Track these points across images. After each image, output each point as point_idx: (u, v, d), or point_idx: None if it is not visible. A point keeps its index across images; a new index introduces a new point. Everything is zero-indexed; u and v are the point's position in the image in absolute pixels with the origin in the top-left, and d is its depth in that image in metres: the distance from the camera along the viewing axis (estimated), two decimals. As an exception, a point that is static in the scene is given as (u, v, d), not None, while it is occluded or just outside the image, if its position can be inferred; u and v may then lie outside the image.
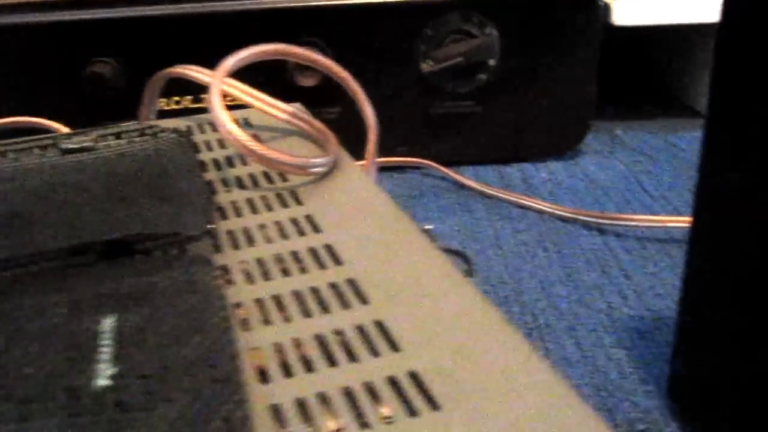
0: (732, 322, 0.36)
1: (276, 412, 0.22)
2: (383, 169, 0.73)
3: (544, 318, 0.50)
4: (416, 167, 0.73)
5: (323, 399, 0.23)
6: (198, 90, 0.63)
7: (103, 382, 0.21)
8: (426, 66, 0.69)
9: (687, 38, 0.85)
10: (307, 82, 0.67)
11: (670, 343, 0.44)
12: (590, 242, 0.59)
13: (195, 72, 0.43)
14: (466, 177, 0.70)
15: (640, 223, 0.60)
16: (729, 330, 0.36)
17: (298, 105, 0.47)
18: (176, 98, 0.70)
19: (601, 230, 0.61)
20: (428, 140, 0.73)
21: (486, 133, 0.73)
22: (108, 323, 0.24)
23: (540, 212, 0.64)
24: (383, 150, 0.72)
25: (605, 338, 0.48)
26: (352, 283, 0.29)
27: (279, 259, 0.31)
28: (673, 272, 0.55)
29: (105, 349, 0.22)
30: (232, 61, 0.38)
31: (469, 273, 0.55)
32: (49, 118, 0.60)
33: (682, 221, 0.58)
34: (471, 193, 0.68)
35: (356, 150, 0.47)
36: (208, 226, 0.31)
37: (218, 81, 0.37)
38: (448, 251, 0.58)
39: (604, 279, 0.54)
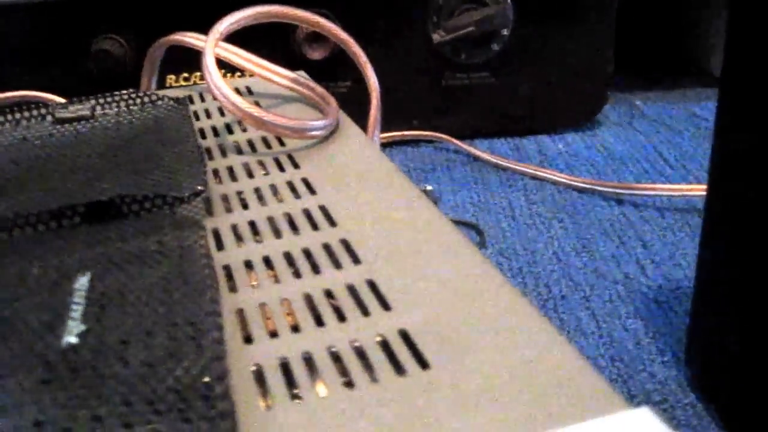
0: (750, 289, 0.34)
1: (258, 372, 0.21)
2: (396, 143, 0.72)
3: (558, 289, 0.49)
4: (429, 141, 0.72)
5: (308, 360, 0.22)
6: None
7: (71, 339, 0.20)
8: (437, 36, 0.68)
9: (708, 4, 0.83)
10: (316, 54, 0.65)
11: (688, 313, 0.43)
12: (607, 213, 0.58)
13: (191, 38, 0.42)
14: (480, 150, 0.68)
15: (660, 193, 0.58)
16: (747, 298, 0.34)
17: (300, 72, 0.45)
18: (185, 74, 0.69)
19: (619, 200, 0.59)
20: (441, 113, 0.72)
21: (501, 105, 0.72)
22: (83, 281, 0.23)
23: (555, 184, 0.62)
24: (396, 124, 0.71)
25: (621, 309, 0.46)
26: (345, 243, 0.28)
27: (272, 222, 0.30)
28: (693, 241, 0.53)
29: (77, 307, 0.21)
30: (226, 23, 0.37)
31: (481, 244, 0.54)
32: (57, 95, 0.59)
33: (702, 189, 0.56)
34: (485, 165, 0.67)
35: (366, 124, 0.45)
36: (198, 188, 0.30)
37: (212, 43, 0.36)
38: (461, 223, 0.57)
39: (622, 249, 0.53)
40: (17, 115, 0.41)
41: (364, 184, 0.32)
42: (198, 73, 0.69)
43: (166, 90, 0.47)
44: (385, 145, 0.71)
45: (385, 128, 0.66)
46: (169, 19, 0.67)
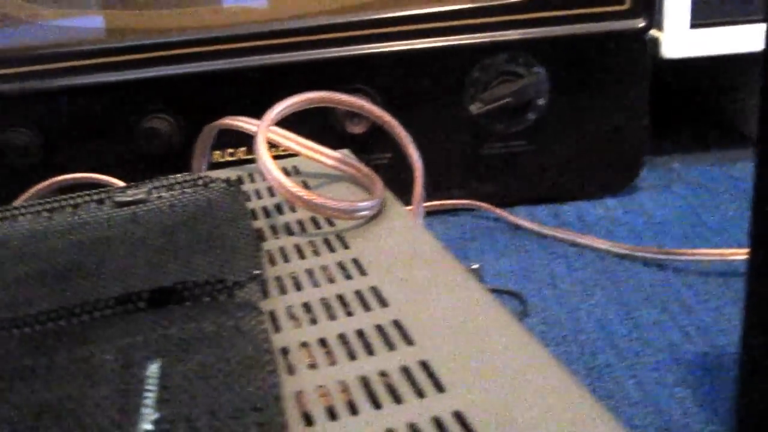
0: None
1: (320, 455, 0.22)
2: (436, 212, 0.73)
3: (603, 357, 0.49)
4: (469, 209, 0.73)
5: (367, 441, 0.23)
6: (250, 141, 0.65)
7: (147, 426, 0.21)
8: (475, 108, 0.69)
9: (743, 67, 0.84)
10: (357, 129, 0.67)
11: (736, 380, 0.43)
12: (649, 279, 0.58)
13: (242, 122, 0.44)
14: (520, 217, 0.69)
15: (701, 257, 0.59)
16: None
17: (345, 151, 0.47)
18: (230, 150, 0.72)
19: (660, 266, 0.60)
20: (480, 182, 0.73)
21: (539, 172, 0.73)
22: (154, 368, 0.24)
23: (596, 250, 0.63)
24: (436, 193, 0.73)
25: (668, 377, 0.47)
26: (397, 324, 0.29)
27: (325, 303, 0.31)
28: (736, 306, 0.53)
29: (150, 394, 0.22)
30: (277, 109, 0.39)
31: (524, 313, 0.54)
32: (107, 174, 0.62)
33: (744, 253, 0.56)
34: (525, 233, 0.68)
35: (408, 195, 0.47)
36: (255, 272, 0.31)
37: (264, 129, 0.38)
38: (503, 292, 0.58)
39: (665, 316, 0.53)
40: (78, 200, 0.44)
41: (412, 264, 0.33)
42: (243, 149, 0.72)
43: (216, 170, 0.49)
44: (426, 214, 0.72)
45: (425, 197, 0.68)
46: (214, 98, 0.70)
